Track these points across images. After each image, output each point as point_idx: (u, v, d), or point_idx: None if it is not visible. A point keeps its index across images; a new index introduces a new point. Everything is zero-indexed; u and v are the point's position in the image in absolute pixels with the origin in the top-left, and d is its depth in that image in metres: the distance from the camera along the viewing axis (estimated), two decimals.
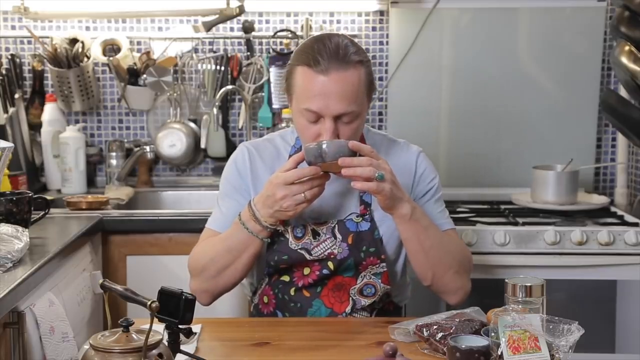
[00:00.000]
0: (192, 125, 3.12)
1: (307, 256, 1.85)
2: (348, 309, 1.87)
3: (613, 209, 2.79)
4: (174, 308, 1.37)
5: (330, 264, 1.86)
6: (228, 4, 2.94)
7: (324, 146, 1.66)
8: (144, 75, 3.02)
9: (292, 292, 1.89)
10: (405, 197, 1.76)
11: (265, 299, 1.94)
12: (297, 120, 1.83)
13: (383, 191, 1.69)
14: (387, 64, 3.08)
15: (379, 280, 1.88)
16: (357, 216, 1.88)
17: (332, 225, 1.87)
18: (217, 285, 1.87)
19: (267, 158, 1.95)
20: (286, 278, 1.89)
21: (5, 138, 2.77)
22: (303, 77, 1.76)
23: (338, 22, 3.08)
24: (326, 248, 1.85)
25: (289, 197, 1.69)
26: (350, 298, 1.87)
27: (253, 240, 1.79)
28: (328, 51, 1.74)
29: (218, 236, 1.88)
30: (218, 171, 3.05)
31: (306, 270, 1.87)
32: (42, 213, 2.26)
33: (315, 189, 1.71)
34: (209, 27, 2.97)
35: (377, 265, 1.87)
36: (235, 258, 1.82)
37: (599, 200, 2.79)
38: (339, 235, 1.86)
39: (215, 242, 1.87)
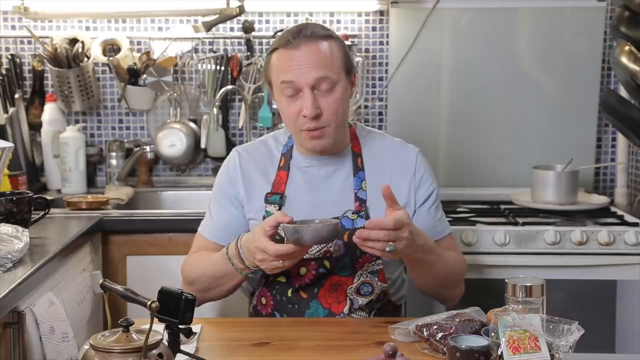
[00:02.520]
0: (192, 125, 3.12)
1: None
2: (346, 309, 1.88)
3: (613, 209, 2.79)
4: (174, 308, 1.37)
5: (327, 263, 1.86)
6: (228, 4, 2.94)
7: (301, 231, 1.65)
8: (144, 75, 3.02)
9: (289, 293, 1.90)
10: (413, 247, 1.73)
11: (263, 301, 1.94)
12: (279, 103, 1.87)
13: (394, 258, 1.76)
14: (387, 64, 3.08)
15: (376, 279, 1.88)
16: (352, 213, 1.88)
17: None
18: (204, 298, 1.91)
19: (259, 161, 1.97)
20: (282, 279, 1.90)
21: (5, 138, 2.77)
22: (278, 57, 1.84)
23: (338, 22, 3.07)
24: (322, 246, 1.85)
25: (266, 262, 1.72)
26: (348, 298, 1.88)
27: (237, 274, 1.83)
28: (297, 31, 1.83)
29: (207, 256, 1.90)
30: (218, 171, 3.05)
31: (302, 270, 1.87)
32: (42, 213, 2.26)
33: (293, 259, 1.73)
34: (209, 27, 2.97)
35: (374, 263, 1.88)
36: (220, 284, 1.87)
37: (599, 200, 2.79)
38: None
39: (203, 262, 1.90)
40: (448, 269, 1.89)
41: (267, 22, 3.09)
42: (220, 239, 1.93)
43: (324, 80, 1.80)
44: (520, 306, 1.37)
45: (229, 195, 1.95)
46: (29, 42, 3.08)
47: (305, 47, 1.80)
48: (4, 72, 2.95)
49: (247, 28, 3.06)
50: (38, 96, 3.07)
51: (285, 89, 1.82)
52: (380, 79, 3.10)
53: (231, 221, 1.94)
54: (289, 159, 1.95)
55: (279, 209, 1.90)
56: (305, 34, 1.81)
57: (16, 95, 2.99)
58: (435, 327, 1.58)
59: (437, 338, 1.56)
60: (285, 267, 1.73)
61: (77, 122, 3.12)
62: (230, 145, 3.07)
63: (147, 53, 3.03)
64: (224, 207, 1.95)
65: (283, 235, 1.71)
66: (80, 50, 2.95)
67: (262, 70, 1.94)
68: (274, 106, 3.00)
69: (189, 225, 2.40)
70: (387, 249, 1.65)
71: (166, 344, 1.37)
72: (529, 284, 1.39)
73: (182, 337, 1.41)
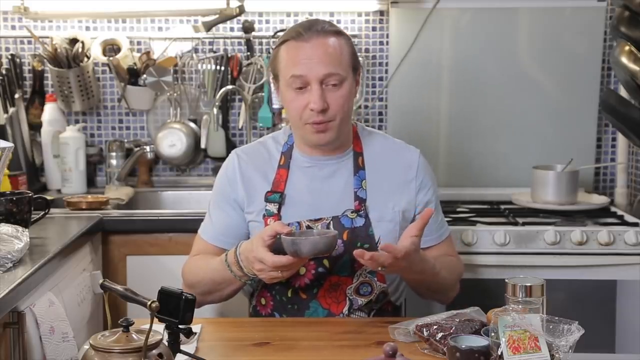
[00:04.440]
0: (192, 125, 3.12)
1: None
2: (345, 310, 1.88)
3: (613, 209, 2.79)
4: (174, 308, 1.37)
5: (326, 262, 1.86)
6: (228, 4, 2.94)
7: (299, 243, 1.65)
8: (144, 75, 3.02)
9: (289, 293, 1.90)
10: (405, 272, 1.77)
11: (263, 301, 1.95)
12: (286, 97, 1.87)
13: (381, 272, 1.78)
14: (387, 64, 3.08)
15: (375, 279, 1.88)
16: (351, 212, 1.88)
17: (327, 222, 1.87)
18: (204, 301, 1.91)
19: (258, 162, 1.96)
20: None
21: (5, 138, 2.77)
22: (287, 50, 1.84)
23: (338, 22, 3.07)
24: None
25: (265, 272, 1.72)
26: (347, 298, 1.88)
27: (236, 280, 1.83)
28: (308, 25, 1.84)
29: (207, 261, 1.90)
30: (218, 171, 3.05)
31: (302, 270, 1.87)
32: (42, 213, 2.26)
33: (292, 270, 1.74)
34: (209, 27, 2.97)
35: None
36: (220, 289, 1.87)
37: (599, 200, 2.79)
38: None
39: (203, 267, 1.90)
40: (444, 282, 1.90)
41: (267, 22, 3.09)
42: (220, 242, 1.93)
43: (333, 75, 1.81)
44: (520, 306, 1.37)
45: (229, 198, 1.95)
46: (29, 42, 3.08)
47: (316, 40, 1.81)
48: (4, 72, 2.95)
49: (247, 28, 3.06)
50: (38, 96, 3.07)
51: (294, 82, 1.82)
52: (380, 79, 3.10)
53: (231, 224, 1.94)
54: (289, 158, 1.95)
55: (279, 207, 1.89)
56: (316, 28, 1.83)
57: (16, 95, 2.99)
58: (435, 327, 1.58)
59: (437, 338, 1.56)
60: (284, 277, 1.73)
61: (77, 122, 3.12)
62: (230, 145, 3.07)
63: (147, 53, 3.03)
64: (224, 210, 1.95)
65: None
66: (80, 50, 2.95)
67: (269, 62, 1.93)
68: (274, 106, 3.00)
69: (189, 225, 2.40)
70: (379, 267, 1.68)
71: (166, 344, 1.37)
72: (529, 284, 1.39)
73: (182, 337, 1.41)
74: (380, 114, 3.13)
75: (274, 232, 1.69)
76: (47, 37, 2.98)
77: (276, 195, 1.90)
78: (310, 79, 1.80)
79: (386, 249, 1.65)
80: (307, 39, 1.81)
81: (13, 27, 3.07)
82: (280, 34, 2.99)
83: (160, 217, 2.55)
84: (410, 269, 1.73)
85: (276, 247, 1.70)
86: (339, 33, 1.85)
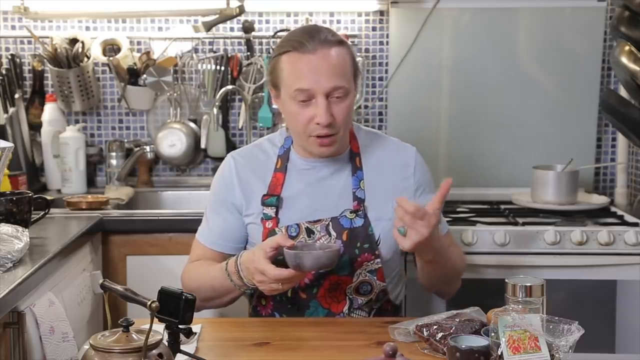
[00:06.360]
0: (192, 125, 3.12)
1: None
2: (345, 309, 1.88)
3: (613, 209, 2.79)
4: (174, 308, 1.37)
5: None
6: (228, 4, 2.94)
7: (302, 257, 1.65)
8: (144, 75, 3.02)
9: (289, 293, 1.90)
10: (427, 245, 1.72)
11: (263, 301, 1.95)
12: (289, 109, 1.84)
13: (402, 243, 1.71)
14: (387, 64, 3.08)
15: (375, 278, 1.89)
16: (350, 212, 1.88)
17: (327, 223, 1.87)
18: (204, 306, 1.91)
19: (255, 165, 1.96)
20: None
21: (5, 138, 2.77)
22: (290, 61, 1.80)
23: (338, 22, 3.07)
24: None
25: (265, 283, 1.71)
26: (347, 297, 1.88)
27: (236, 289, 1.83)
28: (311, 34, 1.79)
29: (206, 268, 1.90)
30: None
31: None
32: (42, 213, 2.26)
33: (292, 283, 1.74)
34: (209, 27, 2.97)
35: (372, 262, 1.88)
36: (219, 296, 1.87)
37: (599, 200, 2.79)
38: (333, 233, 1.86)
39: (202, 273, 1.90)
40: (454, 269, 1.91)
41: (267, 22, 3.09)
42: (218, 246, 1.94)
43: (339, 89, 1.79)
44: (520, 306, 1.37)
45: (226, 201, 1.95)
46: (29, 42, 3.08)
47: (321, 52, 1.77)
48: (4, 72, 2.95)
49: (247, 28, 3.06)
50: (38, 96, 3.07)
51: (298, 95, 1.80)
52: (380, 79, 3.10)
53: (228, 228, 1.94)
54: (285, 160, 1.94)
55: (276, 211, 1.89)
56: (319, 38, 1.78)
57: (16, 95, 2.99)
58: (435, 327, 1.58)
59: (437, 338, 1.56)
60: (284, 289, 1.73)
61: (77, 122, 3.12)
62: (230, 145, 3.07)
63: (147, 53, 3.03)
64: (220, 214, 1.95)
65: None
66: (80, 50, 2.95)
67: (268, 71, 1.91)
68: (274, 106, 2.99)
69: (189, 225, 2.40)
70: (399, 229, 1.67)
71: (166, 344, 1.38)
72: (529, 284, 1.39)
73: (182, 337, 1.41)
74: (380, 114, 3.13)
75: (276, 244, 1.69)
76: (47, 37, 2.98)
77: (273, 198, 1.90)
78: (317, 92, 1.78)
79: (400, 200, 1.66)
80: (312, 51, 1.77)
81: (13, 27, 3.07)
82: (281, 34, 3.01)
83: (160, 217, 2.55)
84: (431, 244, 1.71)
85: (277, 258, 1.70)
86: (341, 42, 1.82)
